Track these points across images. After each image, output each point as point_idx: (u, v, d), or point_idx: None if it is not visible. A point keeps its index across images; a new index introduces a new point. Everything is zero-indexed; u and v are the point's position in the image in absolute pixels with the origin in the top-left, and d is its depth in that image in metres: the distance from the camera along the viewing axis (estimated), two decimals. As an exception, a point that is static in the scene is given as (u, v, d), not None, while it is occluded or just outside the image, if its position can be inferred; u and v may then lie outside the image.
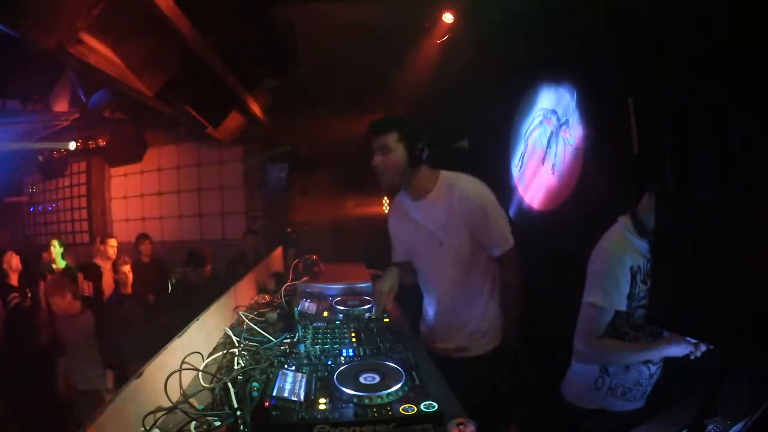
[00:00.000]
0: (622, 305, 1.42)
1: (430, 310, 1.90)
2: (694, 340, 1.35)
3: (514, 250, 1.74)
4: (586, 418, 1.57)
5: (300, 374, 1.22)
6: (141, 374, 1.12)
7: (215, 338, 1.67)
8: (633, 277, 1.42)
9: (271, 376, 1.19)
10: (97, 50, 2.71)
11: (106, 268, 4.27)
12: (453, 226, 1.71)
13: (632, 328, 1.47)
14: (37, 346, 3.16)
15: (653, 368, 1.51)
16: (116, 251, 4.38)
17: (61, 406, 2.96)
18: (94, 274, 4.12)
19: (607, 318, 1.45)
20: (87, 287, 3.84)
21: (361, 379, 1.17)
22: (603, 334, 1.46)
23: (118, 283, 4.00)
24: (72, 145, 4.68)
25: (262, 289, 2.57)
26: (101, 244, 4.44)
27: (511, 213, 3.26)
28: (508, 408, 1.67)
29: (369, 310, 1.86)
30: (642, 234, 1.42)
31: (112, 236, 4.57)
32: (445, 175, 1.77)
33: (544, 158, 2.94)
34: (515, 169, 3.32)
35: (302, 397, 1.10)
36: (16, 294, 3.61)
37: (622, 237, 1.45)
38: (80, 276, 3.89)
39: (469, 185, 1.73)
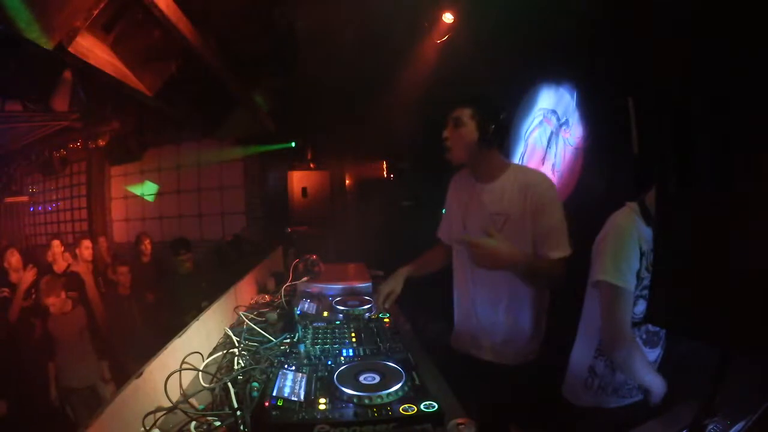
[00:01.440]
0: (632, 284, 1.38)
1: (469, 301, 1.76)
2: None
3: (564, 263, 1.55)
4: (580, 417, 1.58)
5: (300, 374, 1.22)
6: (141, 374, 1.12)
7: (215, 338, 1.67)
8: (641, 258, 1.39)
9: (271, 376, 1.19)
10: (97, 50, 2.71)
11: (87, 273, 4.07)
12: (516, 216, 1.61)
13: (632, 320, 1.46)
14: (30, 345, 3.16)
15: None
16: (92, 253, 4.21)
17: (53, 406, 2.96)
18: (75, 283, 3.94)
19: (629, 305, 1.39)
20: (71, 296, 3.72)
21: (361, 379, 1.17)
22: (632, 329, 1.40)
23: (116, 284, 3.99)
24: (80, 143, 4.67)
25: (262, 289, 2.57)
26: (77, 248, 4.16)
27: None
28: (511, 409, 1.66)
29: (369, 310, 1.85)
30: (648, 221, 1.41)
31: (86, 237, 4.39)
32: (514, 165, 1.71)
33: (544, 158, 2.94)
34: (515, 169, 3.32)
35: (302, 397, 1.10)
36: (5, 289, 3.56)
37: (632, 217, 1.44)
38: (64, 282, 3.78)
39: (541, 176, 1.65)
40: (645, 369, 1.41)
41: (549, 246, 1.56)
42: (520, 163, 3.26)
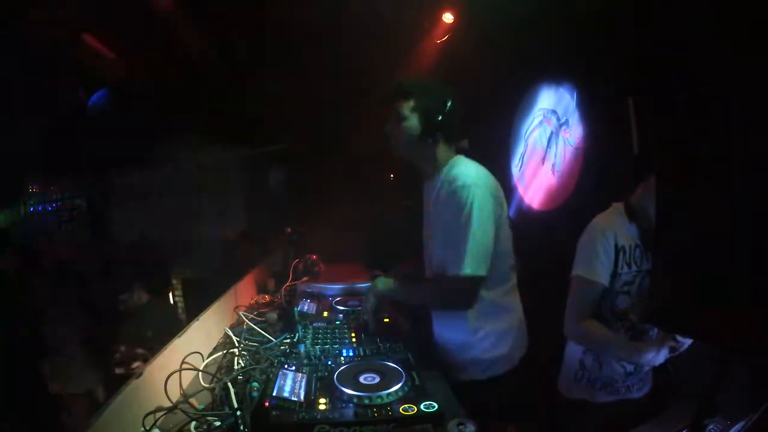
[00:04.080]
0: (605, 279, 1.46)
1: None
2: (668, 353, 1.38)
3: (465, 283, 1.34)
4: (569, 408, 1.61)
5: (300, 374, 1.22)
6: (141, 374, 1.12)
7: (215, 338, 1.67)
8: (617, 255, 1.46)
9: (271, 376, 1.19)
10: (97, 50, 2.71)
11: None
12: (434, 221, 1.50)
13: (614, 314, 1.50)
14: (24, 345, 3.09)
15: (630, 367, 1.53)
16: None
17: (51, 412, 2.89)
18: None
19: (592, 294, 1.48)
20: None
21: (361, 379, 1.17)
22: (588, 315, 1.50)
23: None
24: None
25: (262, 289, 2.57)
26: None
27: (511, 213, 3.25)
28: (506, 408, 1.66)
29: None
30: (631, 217, 1.48)
31: None
32: (456, 160, 1.50)
33: (544, 158, 2.94)
34: (515, 169, 3.32)
35: (302, 397, 1.10)
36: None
37: (610, 217, 1.52)
38: None
39: (460, 176, 1.39)
40: (609, 339, 1.47)
41: (446, 258, 1.38)
42: (519, 163, 3.26)
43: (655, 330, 1.51)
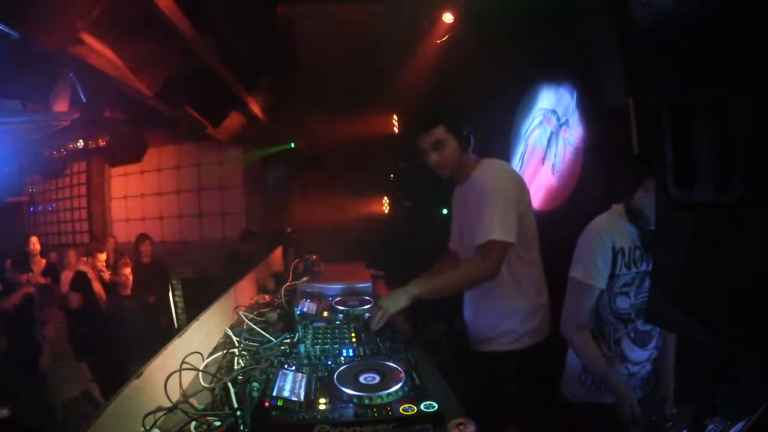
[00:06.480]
0: (601, 282, 1.46)
1: (465, 304, 1.87)
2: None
3: (492, 247, 1.51)
4: (576, 412, 1.61)
5: (300, 374, 1.22)
6: (141, 374, 1.12)
7: (215, 338, 1.67)
8: (615, 256, 1.46)
9: (271, 376, 1.19)
10: (97, 50, 2.71)
11: (94, 276, 4.15)
12: (472, 215, 1.67)
13: (615, 316, 1.49)
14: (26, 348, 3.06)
15: (633, 368, 1.53)
16: (104, 265, 4.27)
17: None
18: (81, 281, 4.00)
19: (588, 296, 1.49)
20: (75, 296, 3.78)
21: (361, 379, 1.17)
22: (587, 322, 1.51)
23: (117, 285, 3.99)
24: (80, 143, 4.66)
25: (262, 289, 2.57)
26: (90, 256, 4.26)
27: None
28: (509, 408, 1.67)
29: (369, 311, 1.85)
30: (631, 219, 1.47)
31: (101, 251, 4.37)
32: (484, 161, 1.73)
33: (544, 158, 2.94)
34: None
35: (302, 397, 1.10)
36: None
37: (609, 219, 1.53)
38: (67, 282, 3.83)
39: (488, 170, 1.67)
40: (597, 362, 1.48)
41: (481, 235, 1.54)
42: (519, 163, 3.26)
43: (658, 330, 1.51)
